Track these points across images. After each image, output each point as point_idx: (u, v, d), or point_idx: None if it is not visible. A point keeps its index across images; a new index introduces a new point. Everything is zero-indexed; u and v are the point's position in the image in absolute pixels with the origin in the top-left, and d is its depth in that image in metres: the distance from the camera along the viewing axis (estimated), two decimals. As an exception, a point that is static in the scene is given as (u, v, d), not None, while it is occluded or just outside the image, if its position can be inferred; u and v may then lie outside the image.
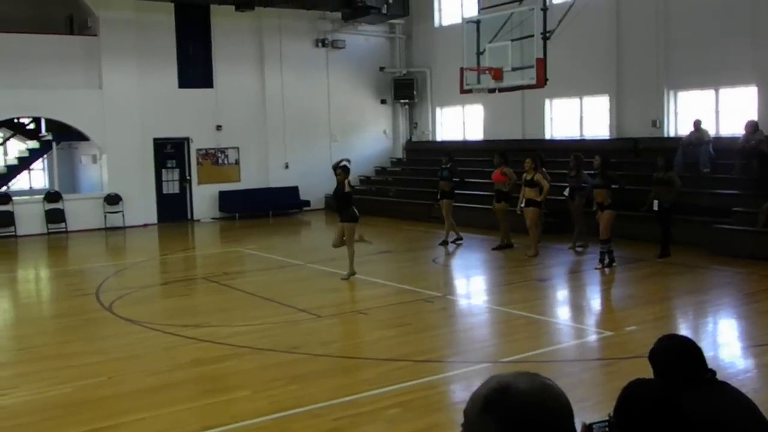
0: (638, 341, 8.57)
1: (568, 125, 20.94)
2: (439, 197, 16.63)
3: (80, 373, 8.05)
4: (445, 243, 16.32)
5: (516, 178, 15.27)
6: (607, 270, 13.11)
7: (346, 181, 12.66)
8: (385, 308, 10.96)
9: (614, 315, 10.79)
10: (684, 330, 9.39)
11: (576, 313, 11.01)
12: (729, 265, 13.21)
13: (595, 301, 12.00)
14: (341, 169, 12.74)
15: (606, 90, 19.48)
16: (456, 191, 16.72)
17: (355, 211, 12.72)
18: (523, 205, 14.63)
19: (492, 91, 15.93)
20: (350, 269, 12.77)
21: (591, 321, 10.53)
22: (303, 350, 8.60)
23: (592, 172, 13.89)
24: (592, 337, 9.44)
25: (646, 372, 3.27)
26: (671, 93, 18.23)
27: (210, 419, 6.62)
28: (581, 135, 20.48)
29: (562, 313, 11.03)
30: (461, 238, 16.42)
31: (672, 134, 18.18)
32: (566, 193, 15.26)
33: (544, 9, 14.50)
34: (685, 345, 3.43)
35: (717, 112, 17.49)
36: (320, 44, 24.42)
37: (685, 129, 17.47)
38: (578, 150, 16.13)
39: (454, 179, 16.62)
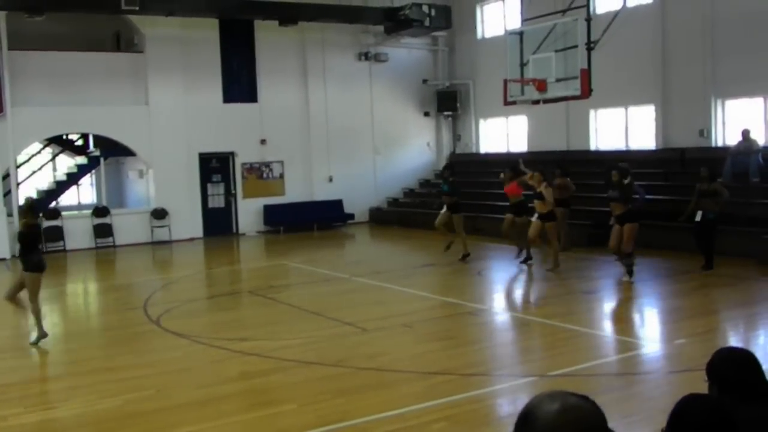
0: (687, 355, 8.46)
1: (613, 136, 20.74)
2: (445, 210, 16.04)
3: (129, 386, 8.16)
4: (465, 256, 15.89)
5: (575, 188, 15.52)
6: (628, 281, 12.80)
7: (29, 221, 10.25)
8: (430, 321, 10.95)
9: (662, 328, 10.61)
10: (735, 344, 9.20)
11: (623, 326, 10.87)
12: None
13: (642, 314, 11.84)
14: (26, 209, 10.41)
15: (651, 100, 19.25)
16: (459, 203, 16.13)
17: (42, 258, 10.32)
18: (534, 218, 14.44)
19: (536, 102, 15.91)
20: (39, 331, 10.16)
21: (638, 334, 10.38)
22: (349, 364, 8.63)
23: (641, 183, 13.54)
24: (640, 351, 9.30)
25: (696, 385, 3.22)
26: (719, 102, 17.93)
27: (257, 433, 6.67)
28: (627, 146, 20.26)
29: (609, 326, 10.90)
30: (468, 254, 15.88)
31: (720, 144, 17.89)
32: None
33: (588, 19, 14.44)
34: (745, 357, 3.35)
35: (766, 121, 17.14)
36: (363, 57, 24.55)
37: (733, 138, 17.19)
38: (624, 161, 15.93)
39: (454, 193, 16.02)
